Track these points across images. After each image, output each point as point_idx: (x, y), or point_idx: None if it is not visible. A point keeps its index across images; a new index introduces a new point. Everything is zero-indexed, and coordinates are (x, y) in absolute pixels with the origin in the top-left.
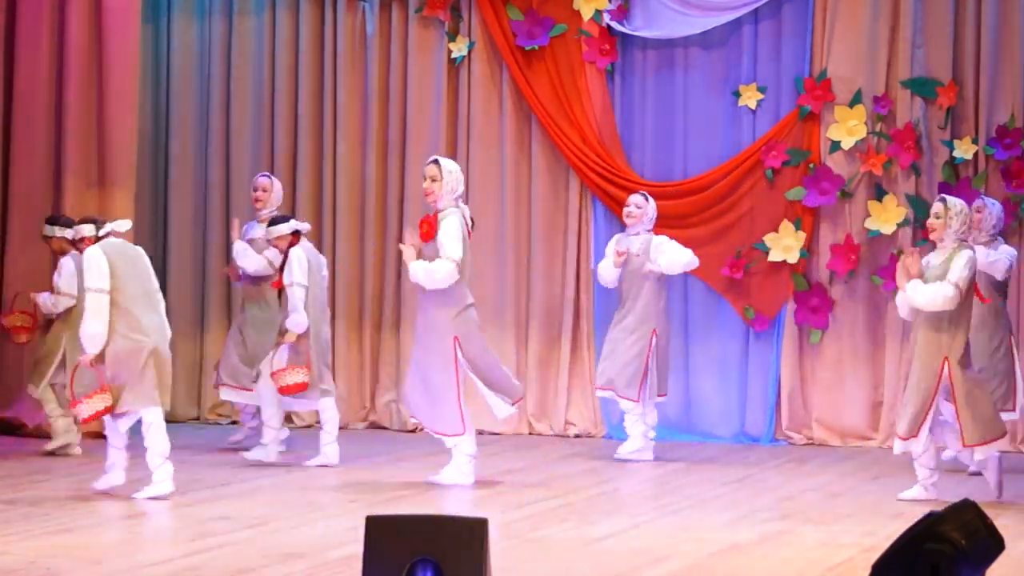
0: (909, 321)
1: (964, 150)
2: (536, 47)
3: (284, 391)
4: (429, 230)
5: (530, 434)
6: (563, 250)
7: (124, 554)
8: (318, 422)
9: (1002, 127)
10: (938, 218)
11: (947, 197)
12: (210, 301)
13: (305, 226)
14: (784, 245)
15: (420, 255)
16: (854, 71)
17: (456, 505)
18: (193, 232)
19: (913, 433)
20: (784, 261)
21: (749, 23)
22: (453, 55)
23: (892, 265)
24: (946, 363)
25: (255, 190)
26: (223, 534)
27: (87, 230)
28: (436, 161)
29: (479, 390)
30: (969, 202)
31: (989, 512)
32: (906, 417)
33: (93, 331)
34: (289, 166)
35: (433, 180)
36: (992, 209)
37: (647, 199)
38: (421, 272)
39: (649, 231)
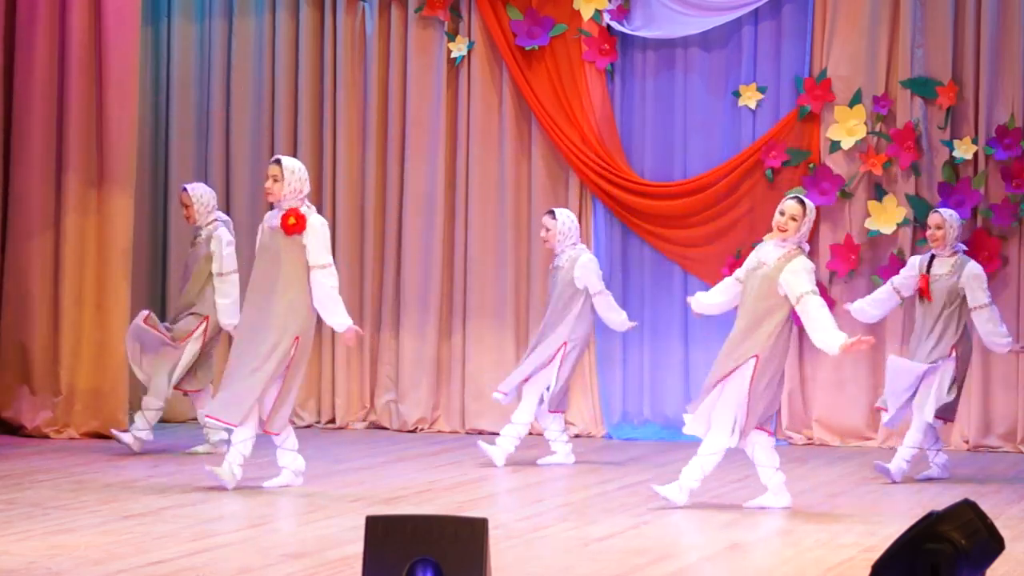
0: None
1: (964, 150)
2: (536, 47)
3: None
4: (298, 223)
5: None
6: None
7: (124, 554)
8: (318, 422)
9: (1002, 127)
10: (794, 220)
11: (803, 198)
12: None
13: None
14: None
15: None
16: (854, 71)
17: (456, 505)
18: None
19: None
20: None
21: (749, 23)
22: (453, 55)
23: (892, 265)
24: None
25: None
26: (223, 534)
27: None
28: (278, 161)
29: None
30: (974, 204)
31: (989, 512)
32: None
33: None
34: None
35: (275, 180)
36: (952, 222)
37: (554, 215)
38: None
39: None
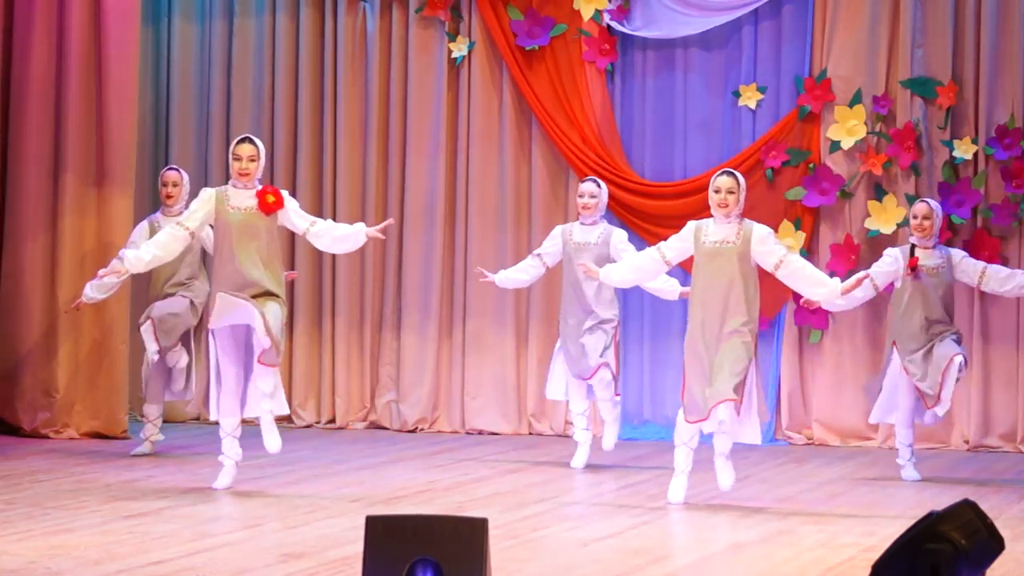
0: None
1: (964, 150)
2: (536, 47)
3: None
4: (277, 200)
5: (530, 434)
6: None
7: (124, 554)
8: (318, 422)
9: (1002, 127)
10: (732, 193)
11: (730, 170)
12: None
13: None
14: (784, 245)
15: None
16: (854, 71)
17: (456, 505)
18: None
19: None
20: None
21: (749, 23)
22: (453, 55)
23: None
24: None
25: (164, 185)
26: (223, 534)
27: None
28: (251, 140)
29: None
30: (974, 204)
31: (989, 512)
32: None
33: None
34: (289, 166)
35: (252, 159)
36: (939, 213)
37: (599, 184)
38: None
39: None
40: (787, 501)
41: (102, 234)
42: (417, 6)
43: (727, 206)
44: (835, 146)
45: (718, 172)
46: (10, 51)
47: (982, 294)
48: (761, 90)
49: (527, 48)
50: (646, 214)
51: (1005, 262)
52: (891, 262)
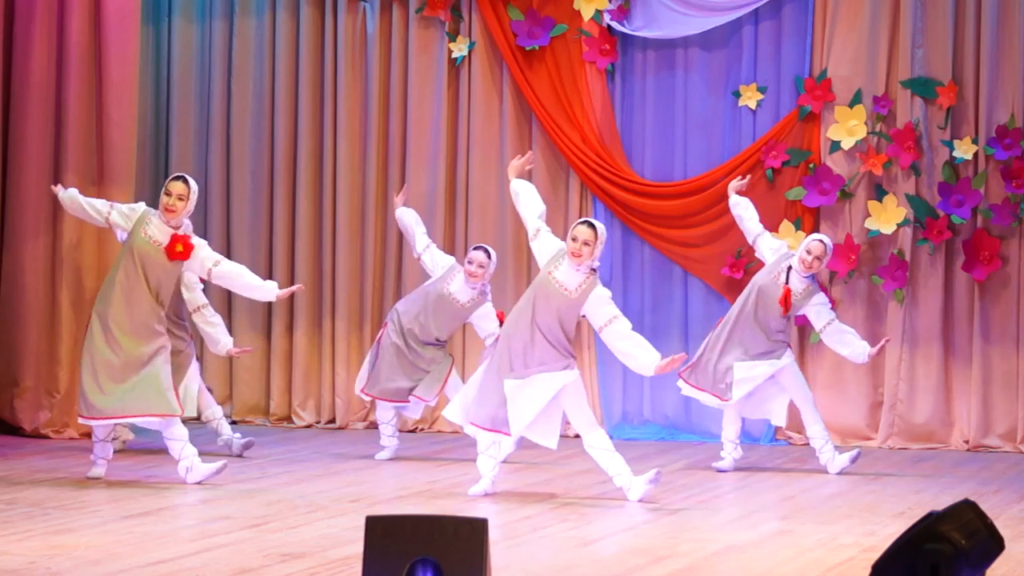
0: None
1: (964, 150)
2: (536, 47)
3: None
4: (183, 252)
5: None
6: None
7: (124, 554)
8: (318, 422)
9: (1002, 127)
10: (587, 245)
11: (593, 222)
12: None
13: None
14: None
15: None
16: (854, 71)
17: (456, 505)
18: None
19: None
20: None
21: (749, 23)
22: (453, 55)
23: (892, 265)
24: None
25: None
26: (223, 534)
27: None
28: (184, 179)
29: None
30: (974, 204)
31: (989, 512)
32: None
33: None
34: (289, 166)
35: (181, 199)
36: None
37: (489, 255)
38: None
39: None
40: (787, 501)
41: (102, 234)
42: (417, 6)
43: (580, 256)
44: (835, 146)
45: (578, 221)
46: (10, 51)
47: (983, 293)
48: (761, 90)
49: (527, 48)
50: (646, 214)
51: (1005, 262)
52: (776, 262)
